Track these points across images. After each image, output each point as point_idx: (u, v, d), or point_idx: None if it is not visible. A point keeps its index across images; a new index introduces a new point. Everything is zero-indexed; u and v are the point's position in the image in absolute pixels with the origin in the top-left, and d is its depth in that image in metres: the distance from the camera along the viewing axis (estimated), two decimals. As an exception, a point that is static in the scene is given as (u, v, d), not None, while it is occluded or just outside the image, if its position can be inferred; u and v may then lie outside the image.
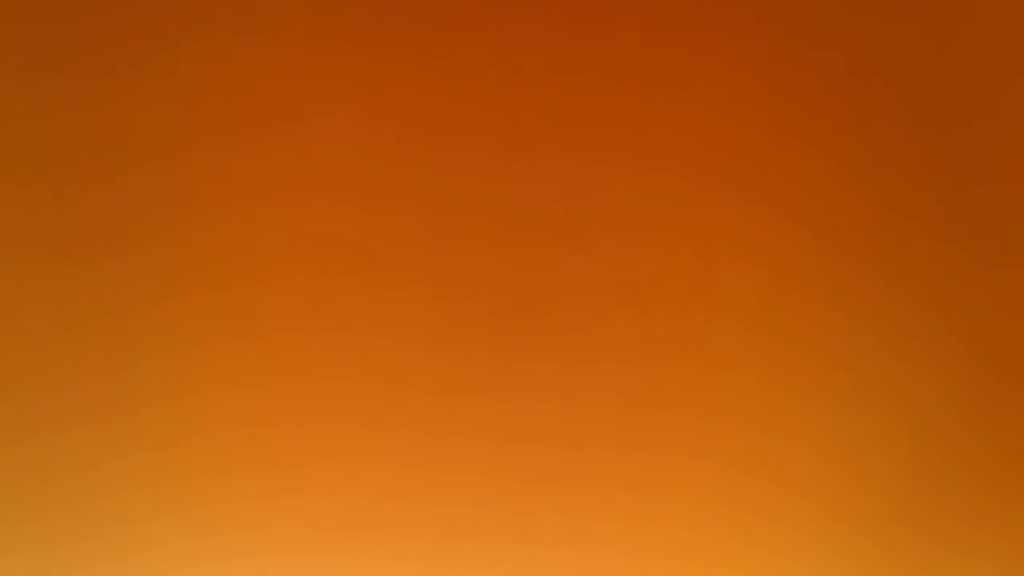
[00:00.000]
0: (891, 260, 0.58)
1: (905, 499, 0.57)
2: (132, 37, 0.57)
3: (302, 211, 0.57)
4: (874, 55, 0.58)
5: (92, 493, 0.57)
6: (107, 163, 0.57)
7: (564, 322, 0.58)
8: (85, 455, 0.57)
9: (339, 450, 0.58)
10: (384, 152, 0.58)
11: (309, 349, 0.57)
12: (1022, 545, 0.57)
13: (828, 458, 0.58)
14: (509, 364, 0.58)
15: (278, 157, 0.57)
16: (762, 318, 0.57)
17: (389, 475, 0.58)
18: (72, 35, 0.57)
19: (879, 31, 0.58)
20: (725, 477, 0.57)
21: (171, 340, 0.57)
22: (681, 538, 0.57)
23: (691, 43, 0.58)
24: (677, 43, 0.58)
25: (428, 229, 0.58)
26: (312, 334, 0.57)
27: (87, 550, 0.57)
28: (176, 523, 0.57)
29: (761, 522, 0.57)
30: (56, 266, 0.57)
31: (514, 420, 0.58)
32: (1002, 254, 0.58)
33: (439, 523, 0.58)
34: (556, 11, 0.58)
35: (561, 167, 0.58)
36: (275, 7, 0.57)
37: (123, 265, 0.57)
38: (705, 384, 0.58)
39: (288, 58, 0.57)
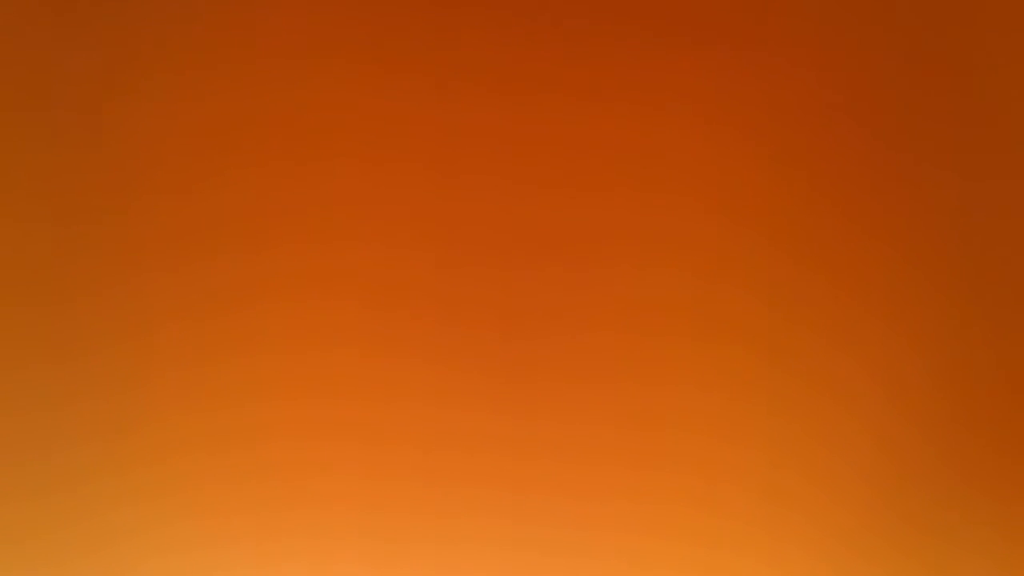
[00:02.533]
0: (877, 292, 0.59)
1: (897, 493, 0.59)
2: (157, 65, 0.58)
3: (313, 234, 0.58)
4: (867, 82, 0.59)
5: (99, 505, 0.58)
6: (140, 193, 0.58)
7: (564, 341, 0.59)
8: (94, 467, 0.58)
9: (343, 462, 0.58)
10: (392, 173, 0.58)
11: (315, 365, 0.58)
12: (1011, 536, 0.59)
13: (811, 472, 0.59)
14: (510, 382, 0.59)
15: (293, 189, 0.58)
16: (757, 340, 0.59)
17: (391, 487, 0.59)
18: (99, 64, 0.58)
19: (873, 61, 0.59)
20: (719, 488, 0.59)
21: (182, 357, 0.58)
22: (679, 548, 0.59)
23: (692, 68, 0.59)
24: (677, 68, 0.59)
25: (433, 257, 0.59)
26: (319, 351, 0.58)
27: (93, 561, 0.58)
28: (177, 534, 0.58)
29: (744, 528, 0.59)
30: (75, 286, 0.58)
31: (515, 434, 0.59)
32: (995, 275, 0.60)
33: (441, 534, 0.58)
34: (560, 35, 0.59)
35: (564, 192, 0.59)
36: (286, 41, 0.58)
37: (139, 289, 0.58)
38: (702, 401, 0.59)
39: (302, 92, 0.58)
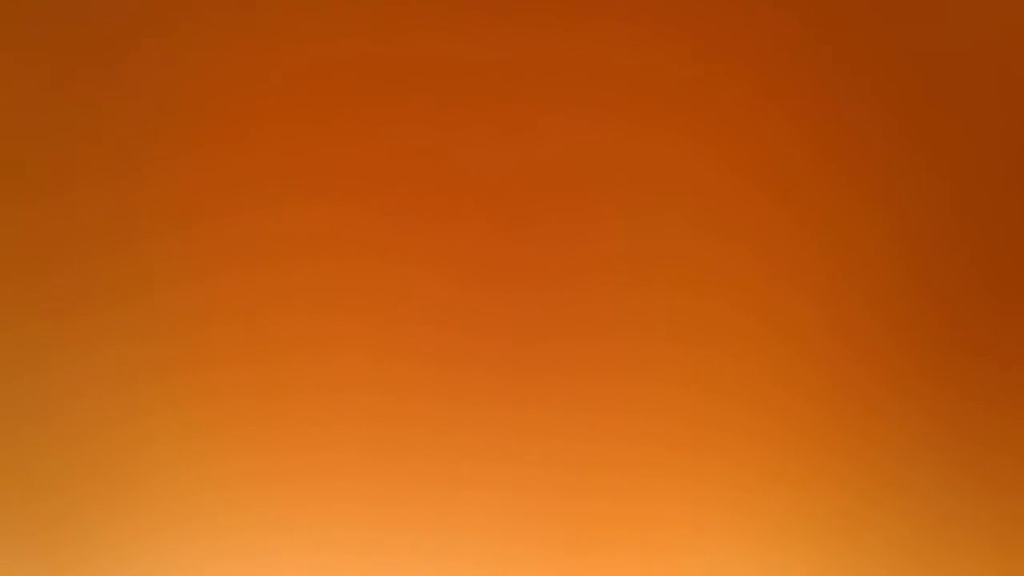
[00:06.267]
0: (855, 179, 0.60)
1: (857, 385, 0.61)
2: (144, 38, 0.58)
3: (323, 204, 0.59)
4: (873, 60, 0.59)
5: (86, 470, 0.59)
6: (172, 156, 0.58)
7: (568, 301, 0.60)
8: (84, 432, 0.59)
9: (353, 342, 0.59)
10: (391, 137, 0.59)
11: (322, 326, 0.59)
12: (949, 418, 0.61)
13: (785, 378, 0.61)
14: (516, 345, 0.60)
15: (300, 156, 0.59)
16: (751, 303, 0.60)
17: (399, 462, 0.60)
18: (85, 35, 0.58)
19: (884, 34, 0.59)
20: (708, 402, 0.60)
21: (184, 266, 0.58)
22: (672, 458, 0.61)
23: (693, 43, 0.59)
24: (679, 40, 0.59)
25: (435, 222, 0.59)
26: (325, 312, 0.59)
27: (97, 445, 0.58)
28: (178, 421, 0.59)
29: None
30: (64, 258, 0.58)
31: (515, 355, 0.60)
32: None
33: (443, 449, 0.60)
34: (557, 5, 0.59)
35: (564, 158, 0.59)
36: (290, 19, 0.58)
37: (131, 257, 0.58)
38: (693, 313, 0.60)
39: (295, 57, 0.58)
